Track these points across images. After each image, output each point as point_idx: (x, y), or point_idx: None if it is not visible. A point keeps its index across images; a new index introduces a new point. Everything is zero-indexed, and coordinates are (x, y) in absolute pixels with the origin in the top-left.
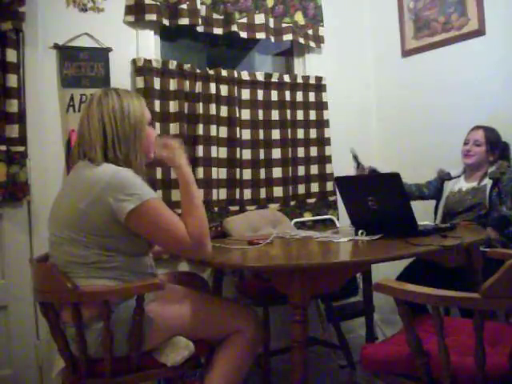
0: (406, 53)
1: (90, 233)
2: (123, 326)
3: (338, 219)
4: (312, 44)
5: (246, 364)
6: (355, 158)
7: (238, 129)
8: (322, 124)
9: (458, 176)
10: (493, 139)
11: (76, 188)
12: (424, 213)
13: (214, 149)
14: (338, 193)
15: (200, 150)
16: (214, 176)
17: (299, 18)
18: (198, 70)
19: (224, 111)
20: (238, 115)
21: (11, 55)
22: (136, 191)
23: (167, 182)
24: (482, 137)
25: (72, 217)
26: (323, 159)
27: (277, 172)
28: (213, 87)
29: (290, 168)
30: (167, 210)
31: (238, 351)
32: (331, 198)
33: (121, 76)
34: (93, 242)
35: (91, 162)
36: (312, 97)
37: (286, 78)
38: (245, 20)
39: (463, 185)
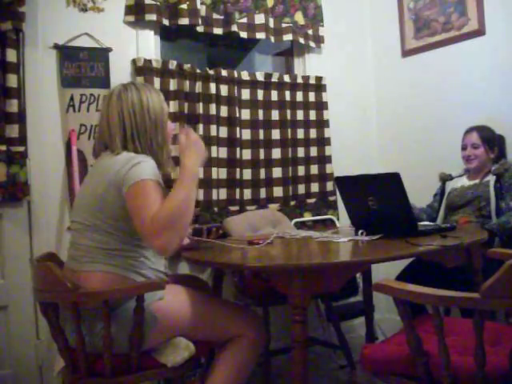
0: (406, 53)
1: (110, 218)
2: (124, 326)
3: (338, 219)
4: (312, 44)
5: (247, 367)
6: None
7: (238, 129)
8: (322, 124)
9: (460, 175)
10: (488, 137)
11: (96, 176)
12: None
13: (214, 149)
14: (338, 193)
15: None
16: (214, 176)
17: (299, 18)
18: (198, 70)
19: (224, 111)
20: (238, 115)
21: (11, 55)
22: (142, 171)
23: (167, 182)
24: (477, 139)
25: (93, 203)
26: (323, 159)
27: (277, 172)
28: (213, 87)
29: (290, 168)
30: (158, 194)
31: (239, 355)
32: (331, 198)
33: (121, 76)
34: (113, 227)
35: (112, 152)
36: (312, 97)
37: (286, 78)
38: (245, 20)
39: (465, 182)
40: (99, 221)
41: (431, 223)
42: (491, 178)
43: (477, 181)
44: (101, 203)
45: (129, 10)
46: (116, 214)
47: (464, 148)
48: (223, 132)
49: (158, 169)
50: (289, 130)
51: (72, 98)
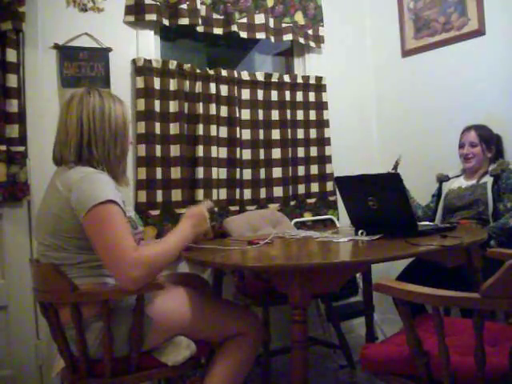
0: (406, 53)
1: (69, 236)
2: (123, 326)
3: (338, 219)
4: (312, 44)
5: (246, 367)
6: (396, 164)
7: (238, 129)
8: (322, 124)
9: (457, 176)
10: (486, 136)
11: (51, 194)
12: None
13: (214, 149)
14: (337, 193)
15: (200, 150)
16: (214, 176)
17: (299, 18)
18: (198, 70)
19: (224, 111)
20: (238, 115)
21: (11, 55)
22: (98, 192)
23: (167, 182)
24: (475, 137)
25: (50, 223)
26: (323, 159)
27: (277, 172)
28: (213, 87)
29: (290, 168)
30: (123, 220)
31: (238, 354)
32: (331, 198)
33: (121, 76)
34: (73, 245)
35: (66, 165)
36: (312, 97)
37: (286, 78)
38: (245, 20)
39: (462, 182)
40: (58, 240)
41: (431, 223)
42: (488, 180)
43: (474, 181)
44: (57, 222)
45: (129, 10)
46: (74, 233)
47: (462, 146)
48: (223, 132)
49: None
50: (289, 130)
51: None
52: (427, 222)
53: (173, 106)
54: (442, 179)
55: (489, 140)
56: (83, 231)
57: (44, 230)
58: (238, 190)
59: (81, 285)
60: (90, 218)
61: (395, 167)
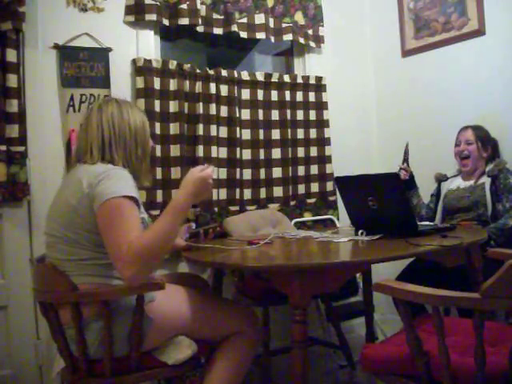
0: (406, 53)
1: (82, 229)
2: (123, 326)
3: (338, 219)
4: (312, 44)
5: (245, 365)
6: (406, 153)
7: (238, 129)
8: (322, 124)
9: (455, 175)
10: (483, 136)
11: (69, 186)
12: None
13: (214, 149)
14: (337, 193)
15: (200, 150)
16: (214, 176)
17: (299, 18)
18: (198, 70)
19: (224, 111)
20: (238, 115)
21: (11, 55)
22: (116, 186)
23: (167, 182)
24: (471, 135)
25: (65, 214)
26: (323, 159)
27: (277, 172)
28: (213, 87)
29: (290, 168)
30: (134, 216)
31: (237, 352)
32: (331, 198)
33: (121, 76)
34: (85, 239)
35: (87, 162)
36: (312, 97)
37: (286, 78)
38: (245, 20)
39: (461, 183)
40: (70, 232)
41: (431, 223)
42: (486, 181)
43: (472, 182)
44: (73, 214)
45: (129, 10)
46: (88, 227)
47: (458, 144)
48: (223, 132)
49: (134, 181)
50: (289, 130)
51: (72, 98)
52: (427, 222)
53: (173, 106)
54: (441, 179)
55: (485, 140)
56: (96, 224)
57: (58, 222)
58: (237, 190)
59: (83, 283)
60: (103, 210)
61: (406, 155)
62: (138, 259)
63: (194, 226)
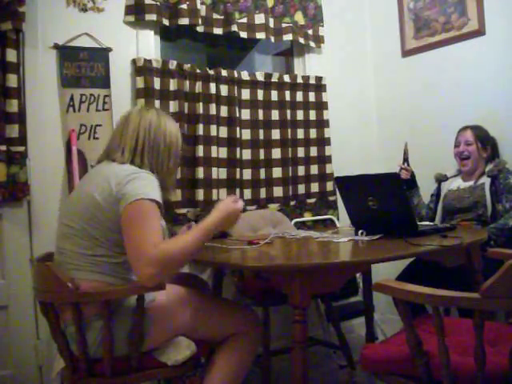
0: (406, 53)
1: (102, 226)
2: (124, 326)
3: (338, 219)
4: (312, 44)
5: (245, 365)
6: (405, 153)
7: (238, 129)
8: (322, 124)
9: (455, 175)
10: (482, 136)
11: (95, 181)
12: None
13: (214, 149)
14: (337, 193)
15: (200, 150)
16: (214, 176)
17: (299, 18)
18: (198, 70)
19: (224, 111)
20: (238, 115)
21: (11, 55)
22: (143, 188)
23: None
24: (471, 136)
25: (88, 209)
26: (323, 159)
27: (277, 172)
28: (213, 87)
29: (290, 168)
30: (156, 220)
31: (237, 353)
32: (331, 198)
33: (121, 76)
34: (103, 236)
35: (115, 162)
36: (312, 97)
37: (286, 78)
38: (245, 20)
39: (461, 183)
40: (90, 227)
41: (431, 223)
42: (486, 181)
43: (471, 182)
44: (95, 210)
45: (129, 10)
46: (109, 224)
47: (457, 145)
48: (223, 132)
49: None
50: (289, 130)
51: (72, 98)
52: (427, 222)
53: (173, 106)
54: (441, 179)
55: (484, 140)
56: (119, 224)
57: (79, 215)
58: (238, 190)
59: (92, 279)
60: (130, 210)
61: (405, 155)
62: (160, 261)
63: (193, 224)
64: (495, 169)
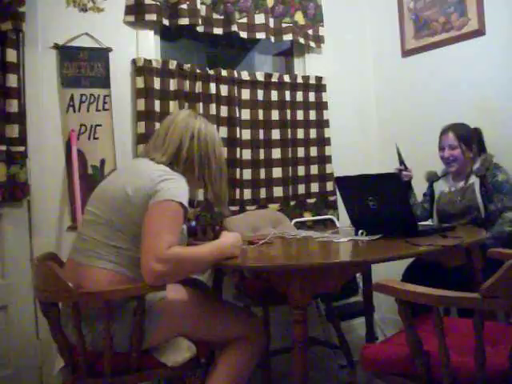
0: (406, 53)
1: (129, 219)
2: (126, 325)
3: (338, 219)
4: (312, 44)
5: (247, 369)
6: (399, 155)
7: (238, 129)
8: (322, 124)
9: (445, 174)
10: (465, 136)
11: (129, 174)
12: None
13: None
14: (338, 193)
15: None
16: None
17: (299, 18)
18: (198, 70)
19: (224, 111)
20: (238, 115)
21: (11, 55)
22: (176, 190)
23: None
24: (453, 139)
25: (117, 200)
26: (323, 159)
27: (277, 172)
28: (213, 87)
29: (290, 168)
30: (179, 224)
31: (240, 357)
32: (331, 198)
33: (121, 76)
34: (128, 228)
35: (153, 160)
36: (312, 97)
37: (286, 78)
38: (245, 20)
39: (451, 184)
40: (115, 217)
41: (431, 223)
42: (475, 181)
43: (462, 183)
44: (125, 202)
45: (129, 10)
46: (135, 218)
47: (442, 149)
48: (223, 132)
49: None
50: (289, 130)
51: (72, 98)
52: (427, 222)
53: (173, 106)
54: (432, 179)
55: (468, 139)
56: (143, 218)
57: (107, 204)
58: (238, 190)
59: (109, 269)
60: (158, 207)
61: (400, 157)
62: (171, 261)
63: (193, 223)
64: (482, 168)
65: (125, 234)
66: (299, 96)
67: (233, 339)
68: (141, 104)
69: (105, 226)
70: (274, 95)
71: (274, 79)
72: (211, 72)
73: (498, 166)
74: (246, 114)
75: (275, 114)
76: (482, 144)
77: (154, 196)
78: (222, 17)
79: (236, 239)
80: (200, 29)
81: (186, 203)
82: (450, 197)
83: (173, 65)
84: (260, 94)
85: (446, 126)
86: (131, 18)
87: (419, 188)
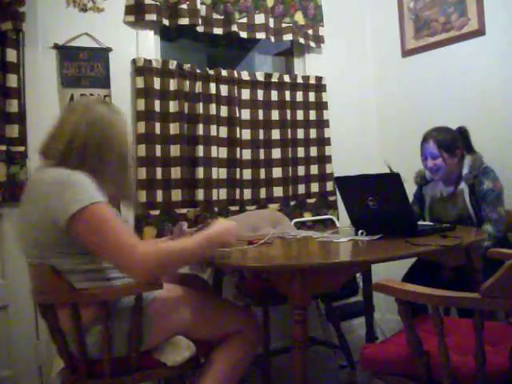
0: (406, 53)
1: (53, 246)
2: (123, 327)
3: (338, 219)
4: (312, 44)
5: (243, 365)
6: (390, 169)
7: (238, 129)
8: (322, 124)
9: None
10: (446, 143)
11: (28, 201)
12: None
13: (214, 149)
14: (338, 193)
15: (200, 150)
16: (214, 176)
17: (299, 18)
18: (198, 70)
19: (224, 111)
20: (238, 115)
21: (11, 55)
22: (83, 194)
23: (167, 182)
24: (434, 148)
25: (31, 236)
26: (323, 159)
27: (277, 172)
28: (213, 87)
29: (290, 168)
30: (116, 217)
31: (235, 352)
32: (331, 198)
33: (121, 76)
34: (60, 254)
35: (46, 161)
36: (312, 97)
37: (286, 78)
38: (245, 20)
39: (442, 188)
40: (46, 251)
41: (431, 223)
42: (465, 189)
43: (452, 188)
44: (37, 233)
45: (129, 10)
46: (59, 242)
47: (425, 159)
48: (223, 132)
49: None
50: (289, 130)
51: (72, 98)
52: (427, 222)
53: (173, 106)
54: (421, 183)
55: (450, 145)
56: (65, 238)
57: (29, 245)
58: (238, 190)
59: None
60: (79, 222)
61: (391, 171)
62: (157, 263)
63: (185, 225)
64: (470, 176)
65: (66, 257)
66: (299, 96)
67: (228, 335)
68: (141, 104)
69: (49, 265)
70: (274, 95)
71: (274, 79)
72: (211, 72)
73: (486, 171)
74: (246, 114)
75: (275, 114)
76: (468, 144)
77: (60, 217)
78: (221, 17)
79: (228, 227)
80: (200, 29)
81: (97, 196)
82: (442, 204)
83: (173, 65)
84: (260, 94)
85: (427, 132)
86: (131, 18)
87: (410, 189)
